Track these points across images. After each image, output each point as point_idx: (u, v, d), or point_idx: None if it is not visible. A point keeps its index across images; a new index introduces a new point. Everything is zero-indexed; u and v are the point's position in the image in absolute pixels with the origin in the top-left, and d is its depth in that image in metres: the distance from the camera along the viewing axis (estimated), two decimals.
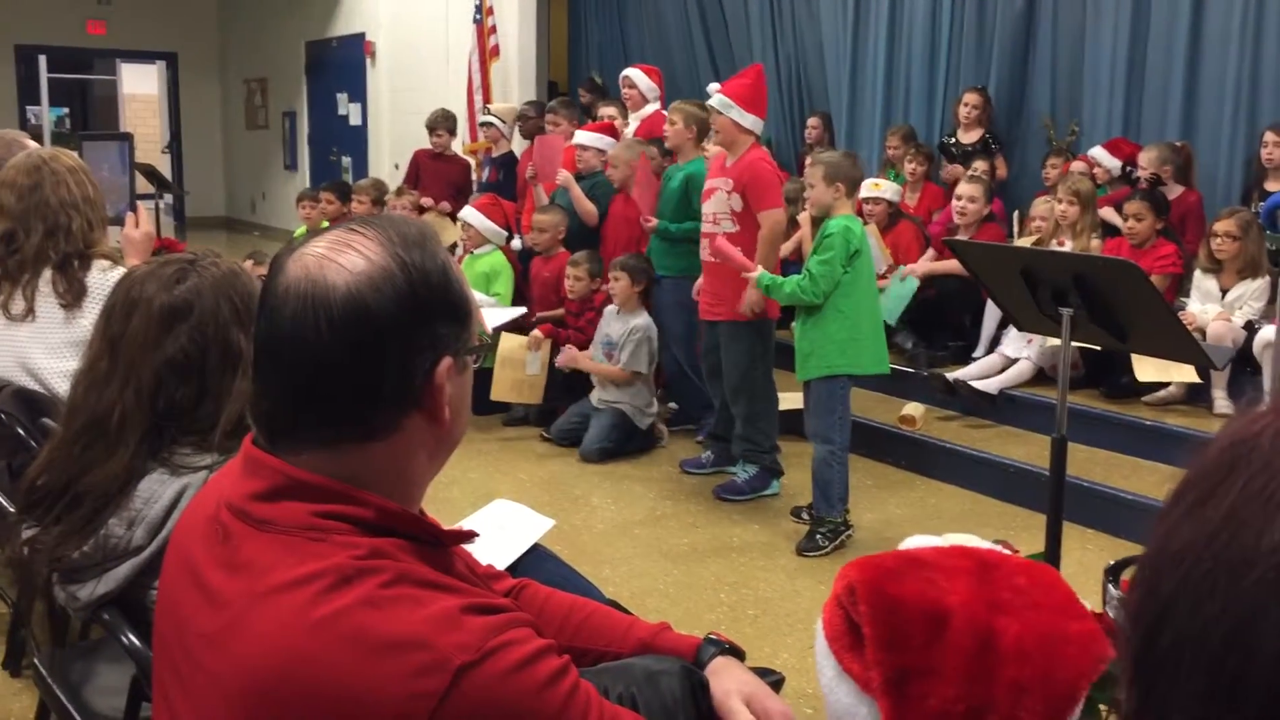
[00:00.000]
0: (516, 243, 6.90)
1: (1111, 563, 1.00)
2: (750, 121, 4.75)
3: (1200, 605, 0.59)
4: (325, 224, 7.66)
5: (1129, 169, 6.24)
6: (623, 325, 5.64)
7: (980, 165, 6.70)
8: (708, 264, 4.93)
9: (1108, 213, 6.06)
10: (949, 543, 1.43)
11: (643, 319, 5.64)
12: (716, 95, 4.82)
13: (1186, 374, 5.17)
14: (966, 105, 7.18)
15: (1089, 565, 4.09)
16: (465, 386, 1.23)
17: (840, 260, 4.26)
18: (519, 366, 5.87)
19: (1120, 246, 5.71)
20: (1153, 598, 0.63)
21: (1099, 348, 4.65)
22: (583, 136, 6.53)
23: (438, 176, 8.20)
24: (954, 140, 7.28)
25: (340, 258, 1.13)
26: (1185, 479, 0.65)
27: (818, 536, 4.40)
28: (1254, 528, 0.59)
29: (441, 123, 8.30)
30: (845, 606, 1.29)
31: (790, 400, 5.04)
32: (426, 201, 7.92)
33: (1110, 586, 1.00)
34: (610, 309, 5.77)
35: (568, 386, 5.90)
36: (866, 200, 6.55)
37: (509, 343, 5.90)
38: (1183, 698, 0.60)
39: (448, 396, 1.17)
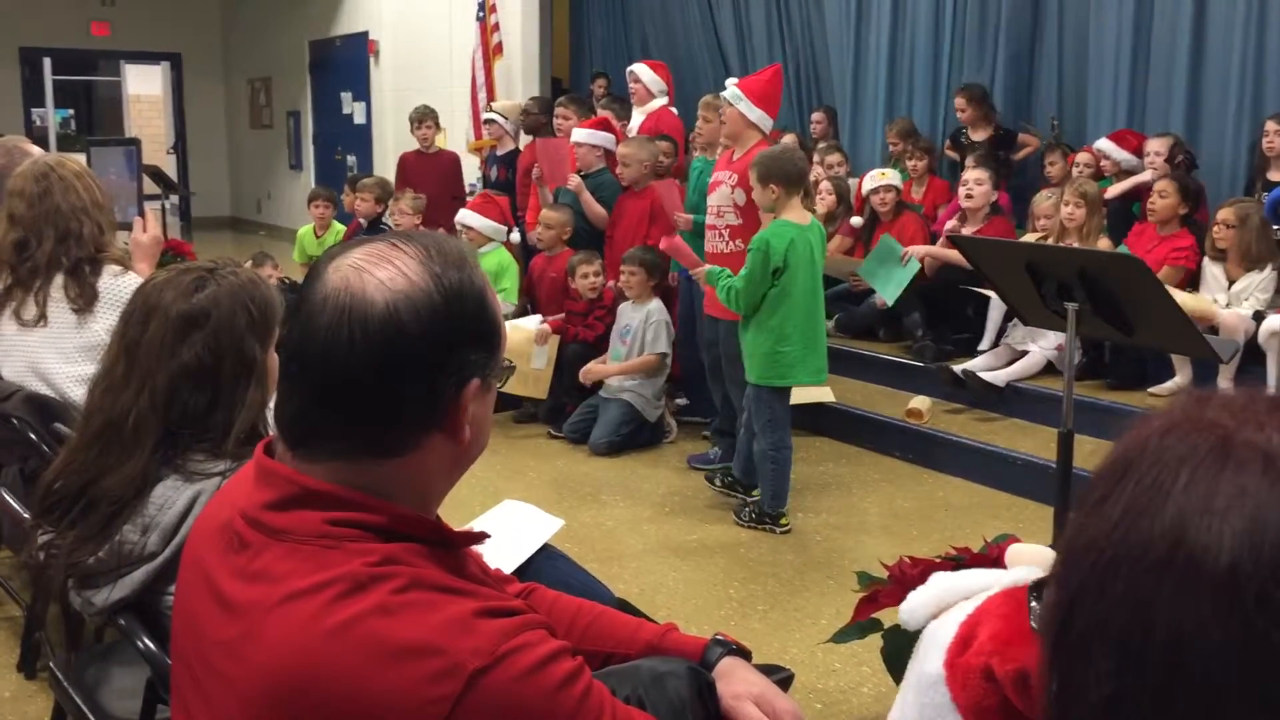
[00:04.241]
0: (515, 236, 6.89)
1: (1034, 580, 1.02)
2: (757, 116, 4.83)
3: (1105, 590, 0.65)
4: (336, 226, 7.63)
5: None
6: (639, 314, 5.71)
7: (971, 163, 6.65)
8: (713, 256, 4.91)
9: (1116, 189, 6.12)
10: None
11: (655, 303, 5.75)
12: (730, 87, 4.92)
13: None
14: (958, 109, 7.14)
15: None
16: (488, 406, 1.24)
17: (757, 278, 4.29)
18: (524, 360, 5.87)
19: (1145, 231, 5.72)
20: (1064, 589, 0.69)
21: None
22: (581, 135, 6.49)
23: (426, 175, 8.06)
24: (965, 135, 7.23)
25: (380, 272, 1.14)
26: (1089, 484, 0.71)
27: (746, 511, 4.60)
28: (1148, 516, 0.65)
29: (428, 114, 8.22)
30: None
31: (800, 395, 5.03)
32: None
33: (1034, 603, 1.02)
34: (625, 304, 5.81)
35: (574, 382, 5.89)
36: (875, 190, 6.54)
37: (515, 335, 5.88)
38: (1096, 676, 0.65)
39: (469, 417, 1.18)
